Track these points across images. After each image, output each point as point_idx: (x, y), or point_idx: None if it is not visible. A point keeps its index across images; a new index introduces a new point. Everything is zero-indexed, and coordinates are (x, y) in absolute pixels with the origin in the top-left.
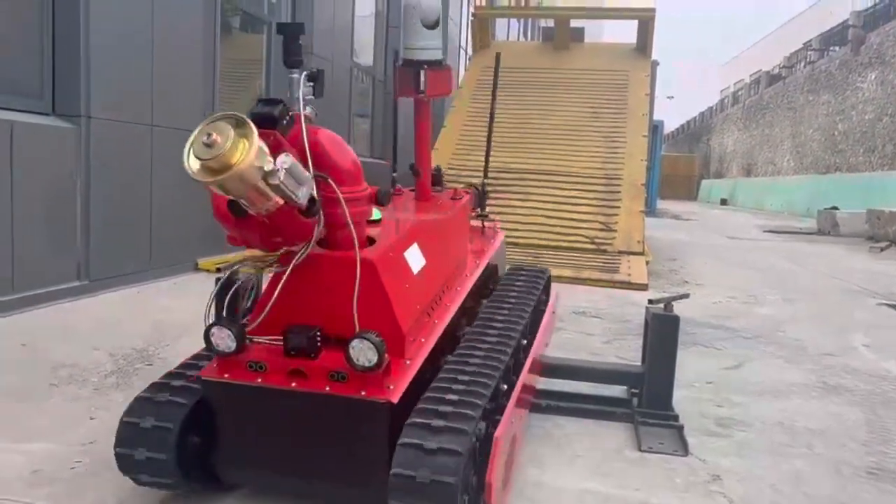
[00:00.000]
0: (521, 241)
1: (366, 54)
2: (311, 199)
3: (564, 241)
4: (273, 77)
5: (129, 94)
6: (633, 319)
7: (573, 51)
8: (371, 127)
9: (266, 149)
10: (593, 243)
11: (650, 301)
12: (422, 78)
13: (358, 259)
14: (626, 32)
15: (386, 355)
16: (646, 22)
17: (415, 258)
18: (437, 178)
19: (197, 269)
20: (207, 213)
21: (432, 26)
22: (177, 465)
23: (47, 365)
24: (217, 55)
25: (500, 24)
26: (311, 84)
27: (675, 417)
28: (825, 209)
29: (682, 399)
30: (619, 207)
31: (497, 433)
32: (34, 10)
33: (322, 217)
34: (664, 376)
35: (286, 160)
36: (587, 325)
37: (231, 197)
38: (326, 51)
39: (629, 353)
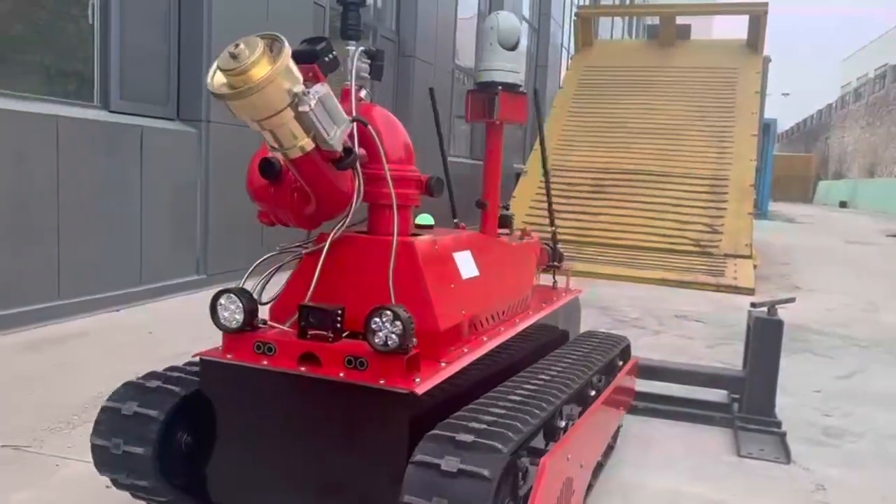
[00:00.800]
0: (621, 242)
1: (467, 55)
2: (348, 150)
3: (667, 243)
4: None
5: None
6: (738, 324)
7: (679, 48)
8: (471, 128)
9: (297, 71)
10: (698, 246)
11: (753, 304)
12: (496, 101)
13: (395, 239)
14: (736, 28)
15: (414, 339)
16: (757, 17)
17: (466, 264)
18: (506, 221)
19: None
20: None
21: (511, 48)
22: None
23: (171, 352)
24: None
25: (604, 21)
26: (369, 62)
27: (778, 424)
28: None
29: (787, 406)
30: (725, 209)
31: (544, 458)
32: (162, 25)
33: (361, 186)
34: (766, 382)
35: (320, 89)
36: (689, 329)
37: (254, 126)
38: (428, 54)
39: (732, 359)
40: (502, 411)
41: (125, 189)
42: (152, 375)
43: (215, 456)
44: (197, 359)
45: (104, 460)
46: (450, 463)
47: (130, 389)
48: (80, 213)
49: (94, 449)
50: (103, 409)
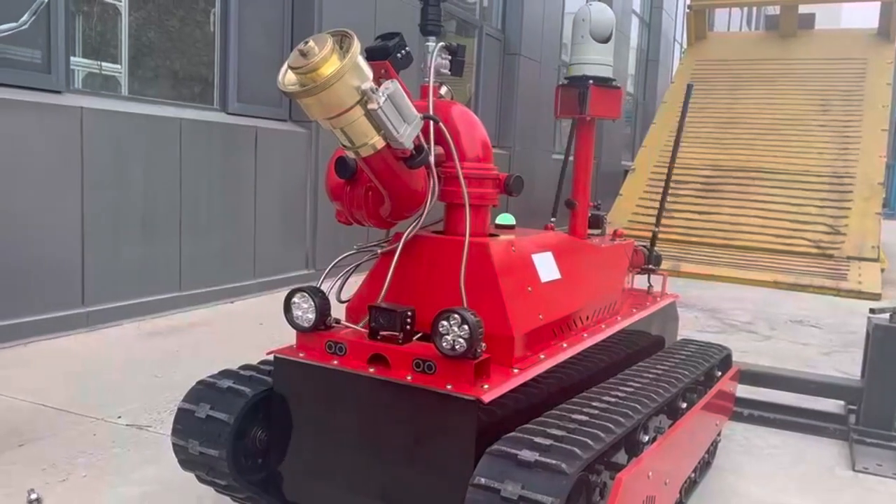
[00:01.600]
0: (733, 243)
1: None
2: (419, 148)
3: (784, 244)
4: (483, 79)
5: None
6: (860, 331)
7: (801, 39)
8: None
9: (367, 67)
10: (818, 247)
11: (872, 310)
12: (587, 96)
13: (467, 239)
14: (867, 16)
15: (483, 344)
16: (889, 3)
17: (547, 266)
18: (596, 220)
19: None
20: None
21: (604, 41)
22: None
23: (279, 342)
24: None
25: (721, 13)
26: (449, 58)
27: None
28: None
29: None
30: (849, 209)
31: (620, 475)
32: (276, 30)
33: (436, 185)
34: (887, 393)
35: (390, 86)
36: (804, 335)
37: (326, 125)
38: (534, 52)
39: (850, 368)
40: (574, 426)
41: (240, 187)
42: (226, 374)
43: (288, 454)
44: (271, 357)
45: (184, 459)
46: (510, 489)
47: (204, 390)
48: (200, 209)
49: (174, 448)
50: (180, 411)
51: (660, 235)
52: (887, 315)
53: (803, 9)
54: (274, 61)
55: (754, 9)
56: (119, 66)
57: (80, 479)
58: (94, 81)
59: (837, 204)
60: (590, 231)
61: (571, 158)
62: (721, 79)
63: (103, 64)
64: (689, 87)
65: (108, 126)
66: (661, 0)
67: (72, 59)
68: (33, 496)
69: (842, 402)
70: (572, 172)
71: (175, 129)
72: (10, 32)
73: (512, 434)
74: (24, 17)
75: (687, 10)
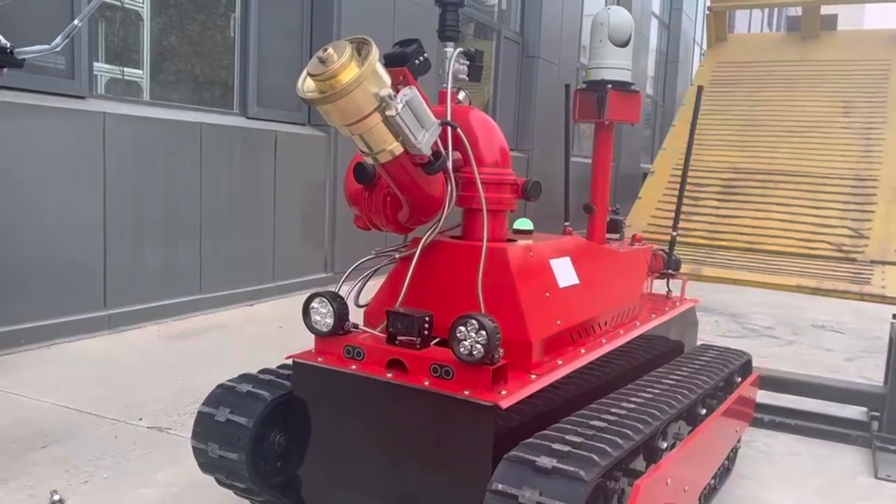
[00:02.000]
0: (754, 247)
1: None
2: (437, 154)
3: (806, 247)
4: (501, 82)
5: None
6: (883, 337)
7: (823, 40)
8: None
9: (385, 74)
10: (840, 251)
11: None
12: (605, 100)
13: (484, 244)
14: (891, 16)
15: (501, 350)
16: None
17: (565, 271)
18: (615, 225)
19: None
20: None
21: (623, 45)
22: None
23: (298, 345)
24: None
25: (741, 15)
26: (467, 63)
27: None
28: None
29: None
30: (873, 212)
31: (638, 482)
32: (296, 36)
33: (454, 190)
34: None
35: (409, 93)
36: (826, 340)
37: (344, 131)
38: (553, 54)
39: (874, 374)
40: (592, 432)
41: (260, 191)
42: (245, 378)
43: (307, 458)
44: (290, 361)
45: (204, 462)
46: (528, 495)
47: (223, 394)
48: (220, 213)
49: (195, 451)
50: (199, 414)
51: (681, 239)
52: None
53: (825, 9)
54: (293, 66)
55: (775, 10)
56: (141, 72)
57: (102, 480)
58: (116, 87)
59: (860, 207)
60: (608, 235)
61: (591, 162)
62: (741, 81)
63: (125, 69)
64: (699, 89)
65: (130, 131)
66: (681, 2)
67: (95, 64)
68: (56, 497)
69: (864, 409)
70: (591, 176)
71: (195, 134)
72: (41, 54)
73: (530, 440)
74: (57, 40)
75: (707, 12)
